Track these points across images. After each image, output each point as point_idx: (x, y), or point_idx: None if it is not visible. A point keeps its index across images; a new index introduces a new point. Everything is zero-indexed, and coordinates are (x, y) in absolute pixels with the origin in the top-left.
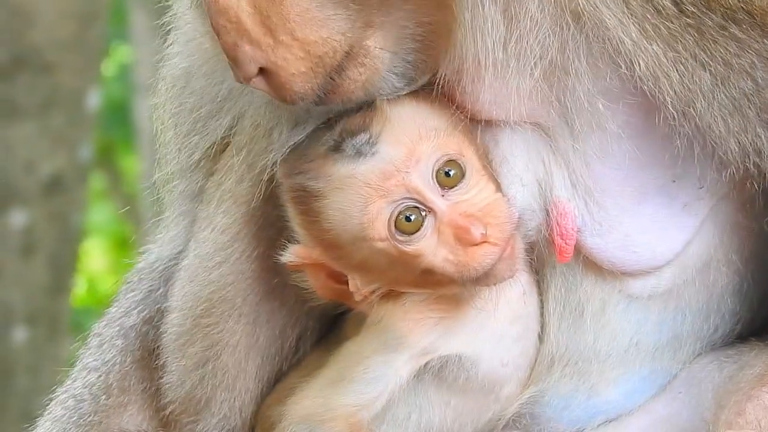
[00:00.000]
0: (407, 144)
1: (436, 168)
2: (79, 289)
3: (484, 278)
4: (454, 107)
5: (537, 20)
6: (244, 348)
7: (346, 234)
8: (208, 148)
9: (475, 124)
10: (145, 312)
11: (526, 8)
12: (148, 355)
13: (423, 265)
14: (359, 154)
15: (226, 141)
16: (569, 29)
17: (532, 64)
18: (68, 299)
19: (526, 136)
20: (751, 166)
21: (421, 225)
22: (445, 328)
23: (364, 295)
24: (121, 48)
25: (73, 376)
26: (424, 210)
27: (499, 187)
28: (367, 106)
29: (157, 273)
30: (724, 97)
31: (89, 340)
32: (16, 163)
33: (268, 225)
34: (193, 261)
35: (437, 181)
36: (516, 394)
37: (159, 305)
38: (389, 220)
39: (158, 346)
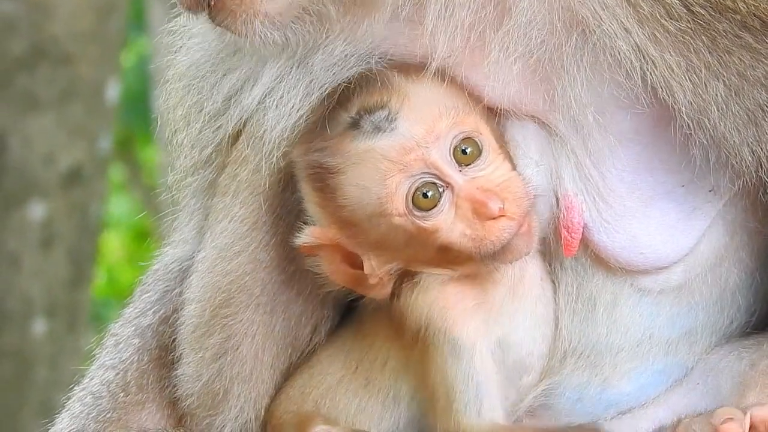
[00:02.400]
0: (427, 121)
1: (453, 145)
2: (99, 280)
3: (502, 254)
4: (461, 90)
5: (528, 17)
6: (261, 338)
7: (364, 210)
8: (219, 141)
9: (484, 109)
10: (161, 312)
11: (518, 3)
12: (165, 353)
13: (440, 240)
14: (378, 129)
15: (236, 133)
16: (568, 33)
17: (516, 57)
18: (87, 291)
19: (532, 127)
20: (765, 176)
21: (438, 200)
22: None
23: (379, 277)
24: (139, 39)
25: (89, 374)
26: (442, 185)
27: (515, 166)
28: (382, 83)
29: (172, 274)
30: (738, 108)
31: (105, 340)
32: (35, 155)
33: (286, 213)
34: (211, 252)
35: (455, 158)
36: (534, 384)
37: (175, 305)
38: (407, 194)
39: (174, 344)
